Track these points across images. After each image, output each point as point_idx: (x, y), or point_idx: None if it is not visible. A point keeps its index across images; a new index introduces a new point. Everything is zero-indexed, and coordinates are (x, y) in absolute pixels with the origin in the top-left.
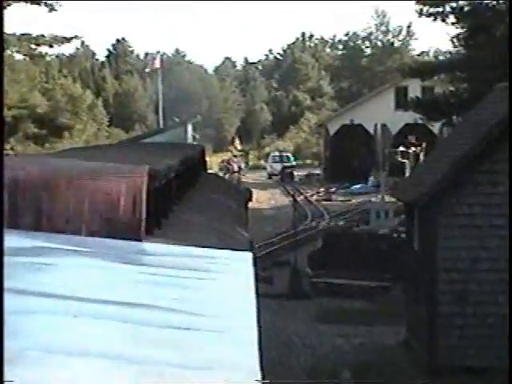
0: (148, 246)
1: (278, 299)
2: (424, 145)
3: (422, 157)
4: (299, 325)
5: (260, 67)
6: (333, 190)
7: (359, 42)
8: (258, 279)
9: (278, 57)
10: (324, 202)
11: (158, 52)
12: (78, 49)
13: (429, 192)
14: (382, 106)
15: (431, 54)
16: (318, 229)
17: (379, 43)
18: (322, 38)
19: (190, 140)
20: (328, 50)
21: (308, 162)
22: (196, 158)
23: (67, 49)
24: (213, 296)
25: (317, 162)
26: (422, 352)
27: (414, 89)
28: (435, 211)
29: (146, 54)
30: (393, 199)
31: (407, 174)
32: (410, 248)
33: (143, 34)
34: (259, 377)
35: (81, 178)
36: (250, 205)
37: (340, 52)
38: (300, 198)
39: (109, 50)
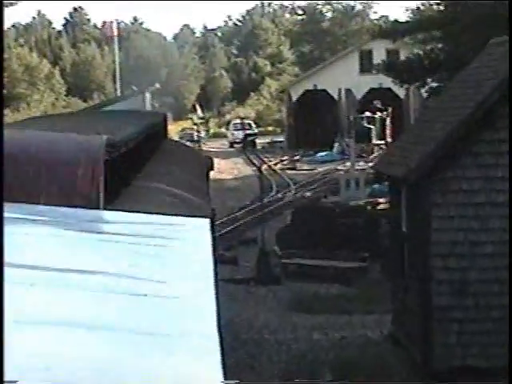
0: (106, 214)
1: (245, 284)
2: (390, 110)
3: (388, 122)
4: (270, 316)
5: (219, 34)
6: (297, 158)
7: (319, 5)
8: (221, 260)
9: (238, 23)
10: (289, 171)
11: (116, 20)
12: (34, 18)
13: (420, 165)
14: (346, 70)
15: (391, 18)
16: (284, 201)
17: (340, 7)
18: (281, 4)
19: (148, 108)
20: (287, 15)
21: (270, 129)
22: (157, 125)
23: (23, 18)
24: (169, 262)
25: (279, 128)
26: (413, 349)
27: (379, 52)
28: (428, 188)
29: (104, 23)
30: (362, 167)
31: (373, 141)
32: (395, 228)
33: (100, 3)
34: (217, 343)
35: (38, 149)
36: (212, 175)
37: (300, 17)
38: (263, 168)
39: (66, 18)
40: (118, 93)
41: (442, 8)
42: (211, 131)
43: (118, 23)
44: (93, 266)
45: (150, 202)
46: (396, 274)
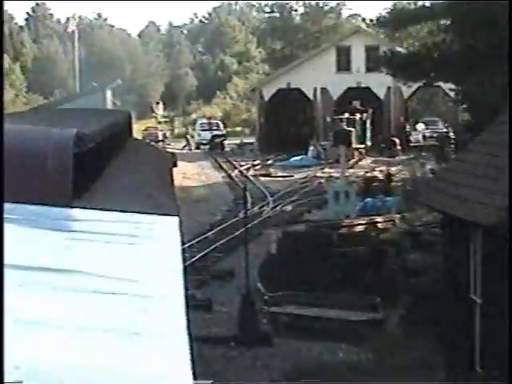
0: (75, 211)
1: (223, 346)
2: (370, 111)
3: (368, 124)
4: None
5: (185, 31)
6: (269, 162)
7: (291, 1)
8: (192, 303)
9: (204, 20)
10: (262, 179)
11: (74, 14)
12: None
13: None
14: (322, 68)
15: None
16: (262, 217)
17: (313, 3)
18: (249, 2)
19: (109, 106)
20: (255, 13)
21: (238, 129)
22: (122, 123)
23: None
24: (138, 262)
25: (248, 129)
26: None
27: (358, 49)
28: None
29: (68, 18)
30: (350, 175)
31: (354, 145)
32: (454, 293)
33: None
34: (186, 342)
35: (5, 141)
36: (177, 182)
37: (267, 15)
38: (234, 174)
39: (28, 13)
40: (77, 89)
41: None
42: (176, 131)
43: (80, 18)
44: (63, 265)
45: (117, 199)
46: (456, 362)
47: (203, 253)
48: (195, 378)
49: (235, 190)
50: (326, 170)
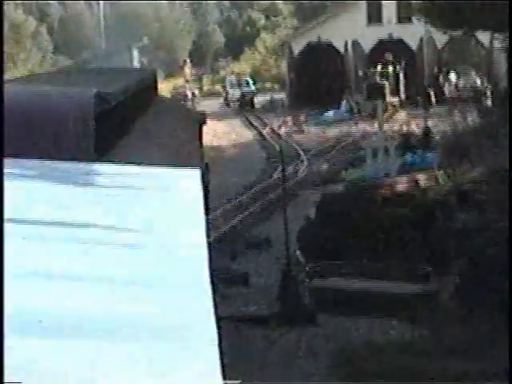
0: (98, 166)
1: (262, 326)
2: (403, 63)
3: (401, 77)
4: None
5: None
6: (301, 118)
7: None
8: (226, 277)
9: None
10: (295, 136)
11: None
12: None
13: None
14: (353, 20)
15: None
16: (298, 177)
17: None
18: None
19: (136, 65)
20: None
21: (267, 85)
22: (147, 82)
23: None
24: (161, 213)
25: (277, 85)
26: None
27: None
28: None
29: None
30: (385, 130)
31: (388, 98)
32: None
33: None
34: (210, 296)
35: (27, 103)
36: (207, 142)
37: None
38: (266, 131)
39: None
40: (103, 49)
41: None
42: (205, 88)
43: None
44: (86, 220)
45: (141, 155)
46: None
47: (237, 219)
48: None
49: (268, 148)
50: (360, 124)
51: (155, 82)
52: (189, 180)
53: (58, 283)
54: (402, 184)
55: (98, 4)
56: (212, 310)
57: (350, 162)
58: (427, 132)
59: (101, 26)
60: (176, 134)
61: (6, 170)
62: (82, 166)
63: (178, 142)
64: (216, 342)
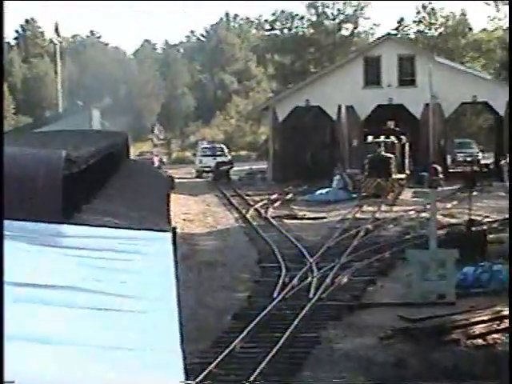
0: (68, 228)
1: None
2: (408, 133)
3: (407, 149)
4: None
5: (182, 50)
6: (290, 196)
7: (301, 12)
8: None
9: (201, 38)
10: (288, 221)
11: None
12: None
13: None
14: (347, 82)
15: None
16: (310, 299)
17: (327, 10)
18: (248, 18)
19: (96, 127)
20: (254, 30)
21: (243, 153)
22: (118, 145)
23: None
24: (133, 277)
25: (254, 153)
26: None
27: (389, 58)
28: None
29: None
30: (398, 216)
31: (393, 175)
32: None
33: (55, 15)
34: (180, 357)
35: None
36: (179, 226)
37: (267, 32)
38: (250, 214)
39: (17, 31)
40: (60, 109)
41: None
42: (173, 155)
43: (74, 36)
44: (56, 281)
45: (110, 217)
46: None
47: None
48: None
49: (256, 240)
50: (366, 207)
51: (127, 145)
52: (160, 243)
53: (28, 345)
54: (481, 322)
55: (55, 62)
56: (183, 371)
57: (376, 268)
58: (472, 226)
59: (57, 84)
60: (145, 198)
61: None
62: (52, 227)
63: (146, 206)
64: None
